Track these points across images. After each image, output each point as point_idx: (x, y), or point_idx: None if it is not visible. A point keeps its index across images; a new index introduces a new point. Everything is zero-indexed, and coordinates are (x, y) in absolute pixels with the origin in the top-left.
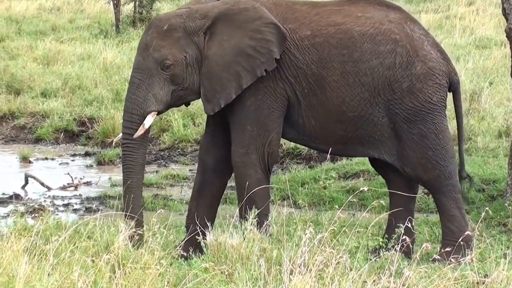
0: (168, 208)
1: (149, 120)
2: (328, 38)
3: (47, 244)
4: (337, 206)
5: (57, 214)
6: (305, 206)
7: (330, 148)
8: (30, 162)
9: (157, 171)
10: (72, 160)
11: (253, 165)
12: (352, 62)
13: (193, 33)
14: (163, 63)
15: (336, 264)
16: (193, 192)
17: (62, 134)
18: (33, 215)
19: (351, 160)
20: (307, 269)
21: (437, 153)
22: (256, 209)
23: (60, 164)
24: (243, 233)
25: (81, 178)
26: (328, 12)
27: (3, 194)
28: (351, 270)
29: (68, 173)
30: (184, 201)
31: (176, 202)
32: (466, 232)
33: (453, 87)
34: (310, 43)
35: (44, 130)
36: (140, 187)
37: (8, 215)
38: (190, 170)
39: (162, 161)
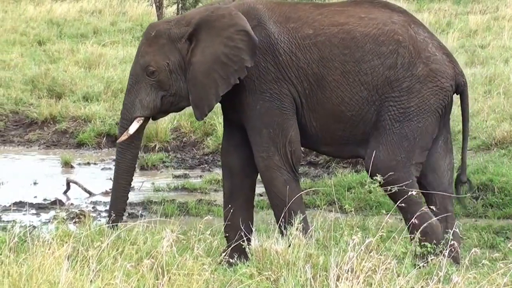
0: (212, 213)
1: (133, 126)
2: (330, 37)
3: (89, 250)
4: (384, 211)
5: (100, 220)
6: (351, 211)
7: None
8: (72, 167)
9: (201, 176)
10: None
11: (277, 167)
12: (354, 62)
13: (176, 39)
14: (148, 69)
15: (383, 270)
16: (225, 199)
17: (105, 138)
18: (75, 221)
19: None
20: (354, 275)
21: (409, 155)
22: (293, 213)
23: (102, 169)
24: (288, 239)
25: None
26: (332, 12)
27: (45, 199)
28: (398, 276)
29: (111, 178)
30: None
31: (220, 207)
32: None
33: (460, 89)
34: (311, 42)
35: (86, 134)
36: (123, 190)
37: (50, 221)
38: None
39: (206, 165)
